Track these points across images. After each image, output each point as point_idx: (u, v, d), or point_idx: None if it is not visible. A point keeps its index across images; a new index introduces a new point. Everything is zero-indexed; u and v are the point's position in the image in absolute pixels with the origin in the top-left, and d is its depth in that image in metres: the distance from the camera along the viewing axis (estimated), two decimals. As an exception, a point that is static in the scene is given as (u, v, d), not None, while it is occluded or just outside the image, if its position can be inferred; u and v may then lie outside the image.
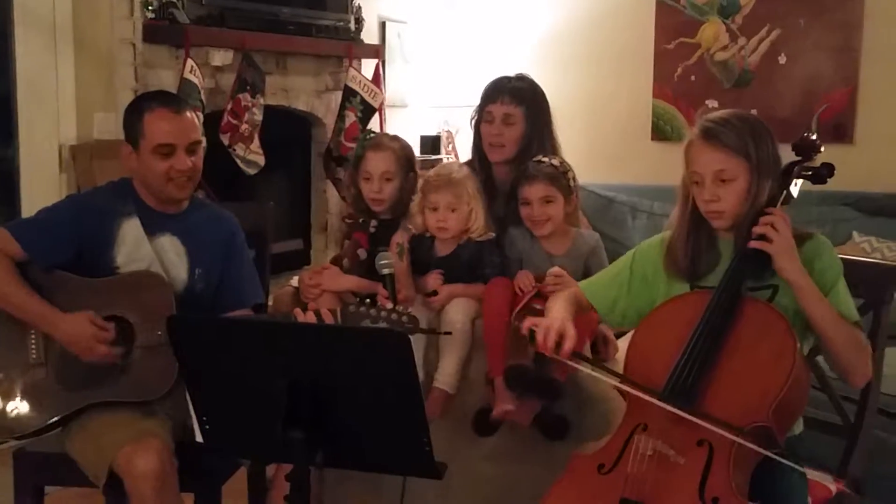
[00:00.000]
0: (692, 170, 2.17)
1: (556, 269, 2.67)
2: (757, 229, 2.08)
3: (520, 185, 2.79)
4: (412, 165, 2.89)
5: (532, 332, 2.14)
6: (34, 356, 2.49)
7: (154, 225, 2.59)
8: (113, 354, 2.45)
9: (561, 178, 2.77)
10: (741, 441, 1.90)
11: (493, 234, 2.78)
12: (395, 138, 2.93)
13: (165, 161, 2.51)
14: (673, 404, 1.97)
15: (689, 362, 2.03)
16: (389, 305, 2.35)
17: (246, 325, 2.23)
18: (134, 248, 2.56)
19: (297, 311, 2.51)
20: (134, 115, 2.55)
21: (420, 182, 2.77)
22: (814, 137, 2.20)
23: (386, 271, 2.53)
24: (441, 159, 5.53)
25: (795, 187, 2.18)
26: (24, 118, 3.87)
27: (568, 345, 2.09)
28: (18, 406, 2.47)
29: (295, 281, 3.05)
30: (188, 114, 2.57)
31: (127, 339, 2.48)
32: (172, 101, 2.59)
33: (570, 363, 2.13)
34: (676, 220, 2.26)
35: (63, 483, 2.52)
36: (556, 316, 2.18)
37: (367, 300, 2.37)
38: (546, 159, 2.80)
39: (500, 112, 2.98)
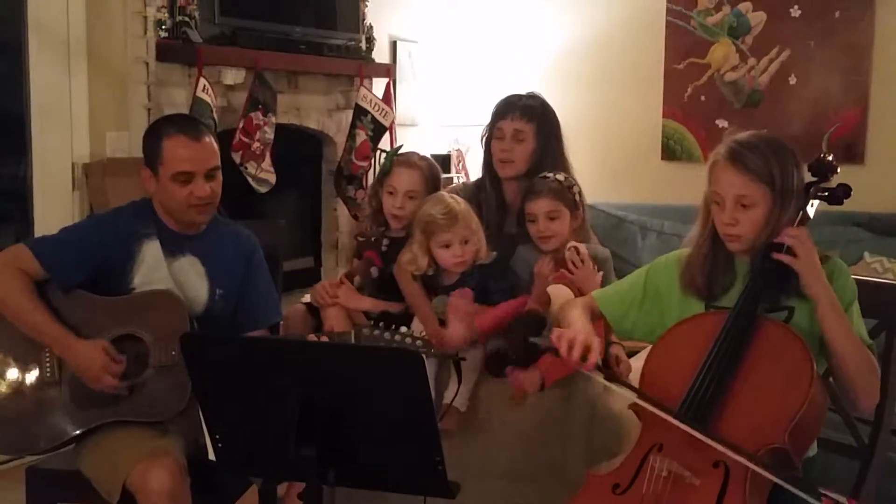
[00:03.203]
0: (714, 189, 2.16)
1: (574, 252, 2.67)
2: (784, 240, 2.06)
3: (525, 201, 2.80)
4: (437, 186, 2.89)
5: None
6: (48, 374, 2.49)
7: (174, 246, 2.59)
8: (118, 388, 2.44)
9: (566, 192, 2.77)
10: (753, 467, 1.89)
11: (495, 254, 2.77)
12: (424, 158, 2.94)
13: (185, 188, 2.51)
14: (689, 424, 1.96)
15: (705, 382, 2.02)
16: (404, 329, 2.34)
17: (259, 343, 2.24)
18: (152, 270, 2.56)
19: (311, 336, 2.51)
20: (153, 140, 2.54)
21: (421, 223, 2.72)
22: (830, 158, 2.20)
23: (444, 317, 2.55)
24: (452, 178, 5.54)
25: (812, 208, 2.17)
26: (38, 136, 3.89)
27: (593, 357, 2.07)
28: (32, 424, 2.47)
29: (306, 298, 3.06)
30: (207, 139, 2.55)
31: (140, 363, 2.48)
32: (191, 127, 2.56)
33: (593, 376, 2.11)
34: (695, 238, 2.25)
35: (74, 500, 2.52)
36: (581, 328, 2.17)
37: (381, 323, 2.37)
38: (550, 174, 2.80)
39: (510, 128, 2.98)
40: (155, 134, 2.55)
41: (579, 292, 2.61)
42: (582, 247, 2.72)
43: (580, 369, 2.09)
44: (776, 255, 2.07)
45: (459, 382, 2.57)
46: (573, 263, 2.70)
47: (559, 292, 2.59)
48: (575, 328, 2.16)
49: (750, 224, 2.12)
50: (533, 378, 2.49)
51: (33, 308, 2.44)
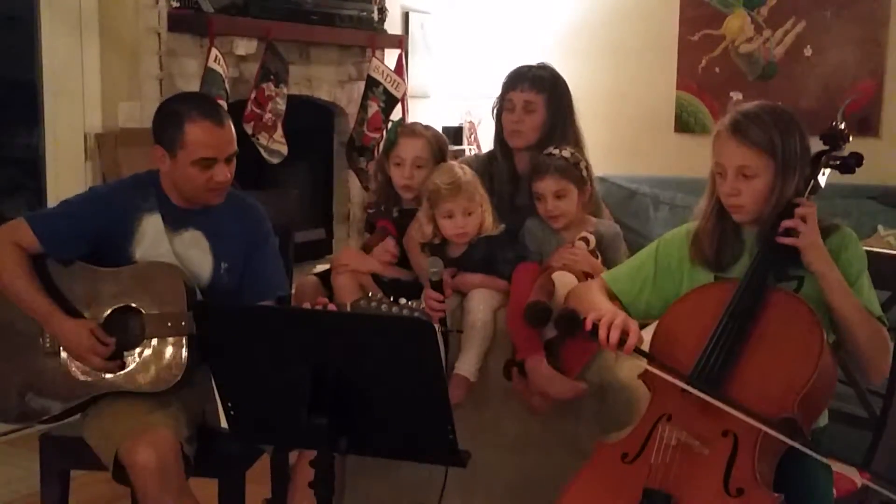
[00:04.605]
0: (716, 161, 2.16)
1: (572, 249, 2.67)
2: (787, 223, 2.06)
3: (532, 180, 2.78)
4: (444, 156, 2.88)
5: (595, 327, 2.09)
6: (48, 345, 2.50)
7: (177, 220, 2.57)
8: (106, 368, 2.44)
9: (573, 169, 2.74)
10: (767, 429, 1.89)
11: (504, 227, 2.77)
12: (428, 127, 2.93)
13: (205, 172, 2.47)
14: (700, 389, 1.96)
15: (714, 352, 2.02)
16: (403, 300, 2.34)
17: (272, 312, 2.25)
18: (153, 244, 2.54)
19: (307, 304, 2.52)
20: (172, 122, 2.48)
21: (427, 192, 2.72)
22: (842, 127, 2.18)
23: (435, 278, 2.54)
24: (464, 150, 5.53)
25: (823, 177, 2.16)
26: (50, 107, 3.90)
27: (632, 340, 2.06)
28: (33, 394, 2.49)
29: (318, 269, 3.06)
30: (228, 123, 2.52)
31: (138, 335, 2.47)
32: (214, 111, 2.51)
33: (647, 365, 2.08)
34: (703, 210, 2.25)
35: (88, 467, 2.53)
36: (615, 310, 2.14)
37: (381, 294, 2.36)
38: (556, 151, 2.77)
39: (520, 100, 2.97)
40: (175, 116, 2.48)
41: (584, 277, 2.59)
42: (592, 237, 2.70)
43: (620, 353, 2.08)
44: (780, 240, 2.06)
45: (447, 350, 2.56)
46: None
47: (564, 279, 2.57)
48: (610, 312, 2.12)
49: (752, 194, 2.11)
50: (537, 400, 2.51)
51: (25, 284, 2.44)
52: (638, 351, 2.09)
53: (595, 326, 2.09)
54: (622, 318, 2.09)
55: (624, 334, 2.06)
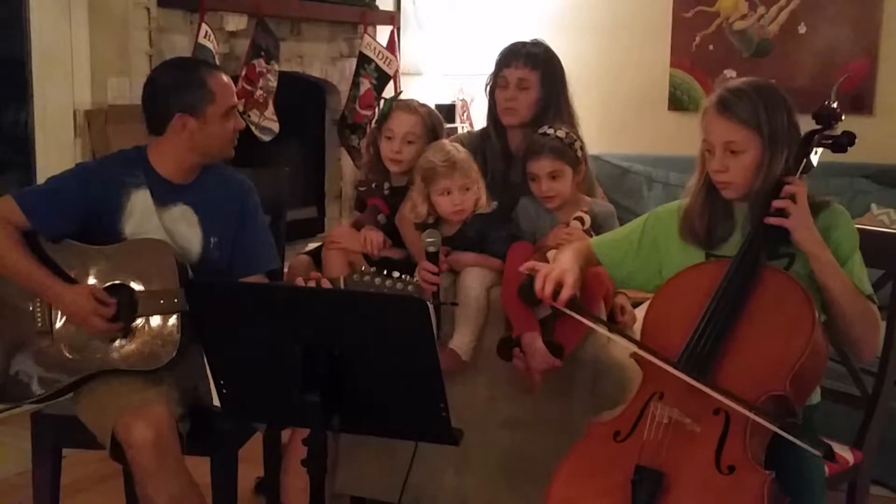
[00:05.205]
0: (705, 138, 2.17)
1: (567, 228, 2.67)
2: (777, 203, 2.06)
3: (526, 160, 2.77)
4: (437, 135, 2.86)
5: (530, 278, 2.16)
6: (40, 324, 2.49)
7: (166, 195, 2.56)
8: (111, 329, 2.44)
9: (567, 150, 2.73)
10: (750, 415, 1.90)
11: (496, 204, 2.76)
12: (424, 105, 2.91)
13: (231, 122, 2.57)
14: (689, 373, 1.96)
15: (706, 331, 2.02)
16: (396, 274, 2.33)
17: (264, 289, 2.24)
18: (142, 220, 2.54)
19: (300, 279, 2.51)
20: (194, 82, 2.50)
21: (421, 170, 2.70)
22: (834, 105, 2.18)
23: (432, 249, 2.54)
24: (456, 128, 5.50)
25: (815, 156, 2.16)
26: (39, 83, 3.87)
27: (565, 294, 2.11)
28: (27, 373, 2.49)
29: (309, 247, 3.05)
30: None
31: (130, 312, 2.47)
32: (212, 63, 2.59)
33: (579, 318, 2.14)
34: (693, 188, 2.25)
35: (80, 446, 2.54)
36: (558, 265, 2.20)
37: (374, 268, 2.36)
38: (551, 131, 2.75)
39: (514, 76, 2.95)
40: (194, 76, 2.52)
41: None
42: (587, 217, 2.70)
43: (556, 306, 2.14)
44: (769, 220, 2.06)
45: (439, 326, 2.56)
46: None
47: None
48: (551, 264, 2.20)
49: (740, 170, 2.11)
50: (537, 377, 2.50)
51: (21, 257, 2.43)
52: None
53: (531, 277, 2.15)
54: (559, 270, 2.15)
55: (558, 286, 2.12)
